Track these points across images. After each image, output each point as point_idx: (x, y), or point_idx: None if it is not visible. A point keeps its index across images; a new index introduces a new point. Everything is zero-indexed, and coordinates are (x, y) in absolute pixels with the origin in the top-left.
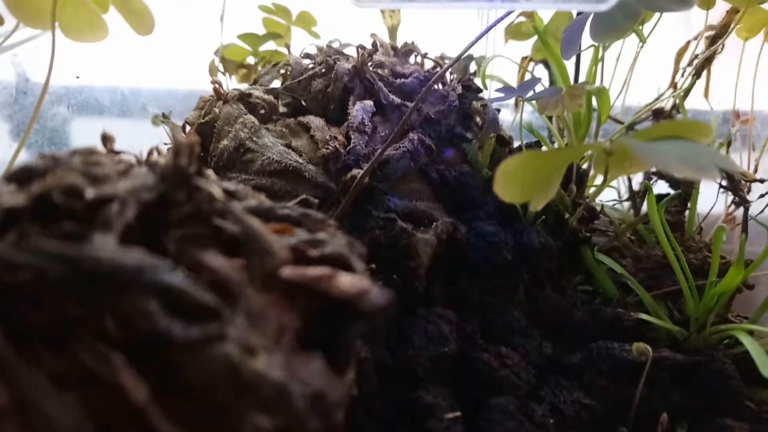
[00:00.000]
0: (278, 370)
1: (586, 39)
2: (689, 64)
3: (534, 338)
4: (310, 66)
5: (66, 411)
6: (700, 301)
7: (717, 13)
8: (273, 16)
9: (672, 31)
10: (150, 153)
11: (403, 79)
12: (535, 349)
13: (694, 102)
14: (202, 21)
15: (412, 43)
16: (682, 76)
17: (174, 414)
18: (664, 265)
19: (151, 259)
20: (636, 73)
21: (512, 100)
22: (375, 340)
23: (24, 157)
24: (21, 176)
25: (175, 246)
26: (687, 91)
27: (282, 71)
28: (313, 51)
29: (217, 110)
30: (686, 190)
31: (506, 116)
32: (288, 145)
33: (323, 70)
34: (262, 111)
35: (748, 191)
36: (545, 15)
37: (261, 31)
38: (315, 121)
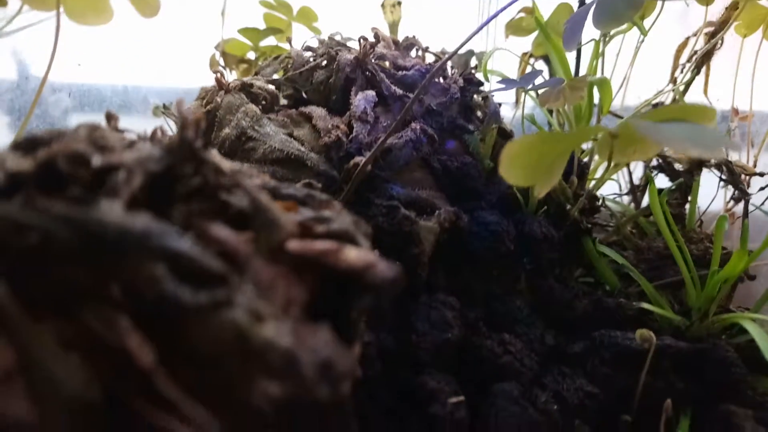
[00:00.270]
0: (287, 337)
1: (587, 34)
2: (688, 60)
3: (537, 327)
4: (312, 58)
5: (72, 374)
6: (702, 291)
7: (716, 10)
8: (274, 12)
9: (671, 28)
10: (154, 133)
11: (404, 72)
12: (538, 337)
13: (693, 99)
14: (202, 17)
15: (414, 37)
16: (682, 72)
17: (181, 381)
18: (666, 256)
19: (159, 224)
20: (635, 69)
21: (513, 97)
22: (379, 325)
23: None
24: (27, 144)
25: (182, 219)
26: (687, 86)
27: (283, 64)
28: (315, 44)
29: (219, 99)
30: (687, 182)
31: (507, 112)
32: (290, 135)
33: (325, 62)
34: (264, 101)
35: (748, 185)
36: (546, 10)
37: (262, 26)
38: (317, 111)
